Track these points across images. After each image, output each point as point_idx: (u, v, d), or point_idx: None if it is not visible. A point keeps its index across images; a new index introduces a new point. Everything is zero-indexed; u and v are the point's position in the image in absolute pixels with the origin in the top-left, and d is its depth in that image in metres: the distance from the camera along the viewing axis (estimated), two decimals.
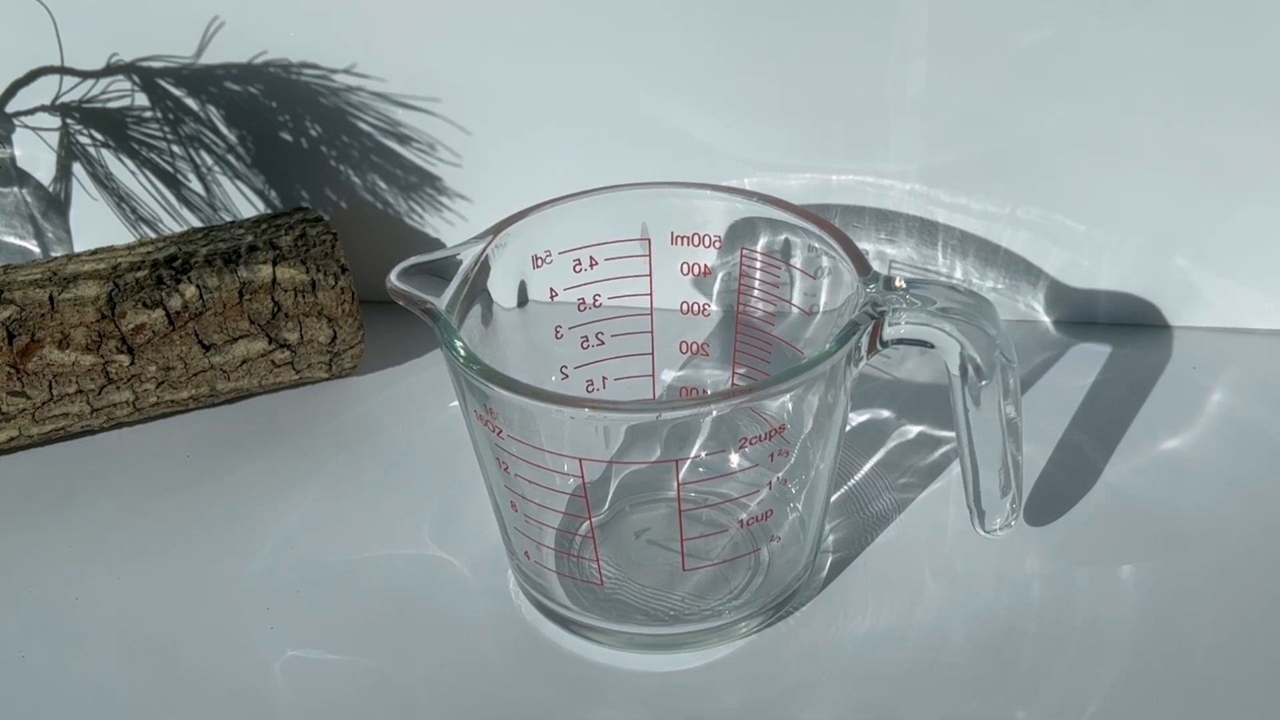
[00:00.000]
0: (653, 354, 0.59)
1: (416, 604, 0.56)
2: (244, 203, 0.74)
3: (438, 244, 0.73)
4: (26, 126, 0.71)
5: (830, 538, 0.57)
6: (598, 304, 0.57)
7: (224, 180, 0.73)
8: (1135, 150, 0.67)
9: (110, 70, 0.69)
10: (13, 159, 0.72)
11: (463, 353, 0.48)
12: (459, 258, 0.53)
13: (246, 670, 0.54)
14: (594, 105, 0.69)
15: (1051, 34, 0.64)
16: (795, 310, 0.56)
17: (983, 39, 0.65)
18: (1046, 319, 0.71)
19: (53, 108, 0.70)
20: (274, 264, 0.65)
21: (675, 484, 0.48)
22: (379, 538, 0.60)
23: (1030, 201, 0.69)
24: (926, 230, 0.70)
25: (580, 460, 0.48)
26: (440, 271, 0.52)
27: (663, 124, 0.70)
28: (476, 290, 0.53)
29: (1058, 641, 0.53)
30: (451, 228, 0.73)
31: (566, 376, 0.58)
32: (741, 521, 0.50)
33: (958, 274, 0.71)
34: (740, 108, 0.69)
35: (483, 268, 0.53)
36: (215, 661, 0.54)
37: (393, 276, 0.51)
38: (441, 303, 0.51)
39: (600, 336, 0.58)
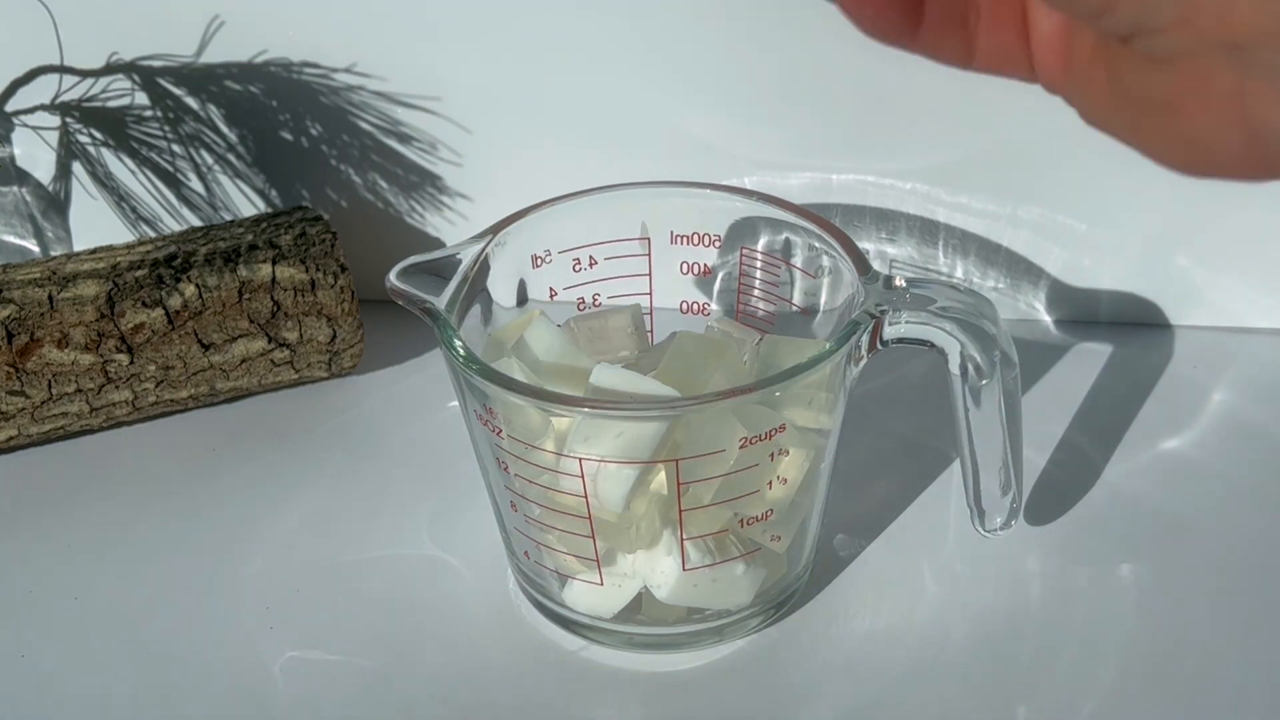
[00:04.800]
0: None
1: (416, 604, 0.56)
2: (244, 202, 0.74)
3: (438, 243, 0.73)
4: (26, 125, 0.71)
5: (830, 537, 0.57)
6: (597, 303, 0.57)
7: (224, 179, 0.73)
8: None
9: (110, 69, 0.69)
10: (12, 158, 0.72)
11: (462, 352, 0.48)
12: (458, 257, 0.53)
13: (246, 670, 0.54)
14: (594, 104, 0.69)
15: None
16: (795, 309, 0.56)
17: None
18: (1048, 318, 0.71)
19: (52, 106, 0.69)
20: (273, 263, 0.65)
21: (675, 483, 0.48)
22: (378, 538, 0.60)
23: (1031, 201, 0.69)
24: (927, 229, 0.70)
25: (579, 459, 0.48)
26: (440, 271, 0.52)
27: (663, 123, 0.70)
28: (476, 290, 0.53)
29: (1057, 641, 0.53)
30: (452, 227, 0.73)
31: None
32: (741, 521, 0.50)
33: (959, 273, 0.71)
34: (741, 107, 0.69)
35: (482, 267, 0.53)
36: (215, 661, 0.54)
37: (392, 276, 0.51)
38: (441, 302, 0.51)
39: None
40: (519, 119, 0.70)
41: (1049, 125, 0.65)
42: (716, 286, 0.58)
